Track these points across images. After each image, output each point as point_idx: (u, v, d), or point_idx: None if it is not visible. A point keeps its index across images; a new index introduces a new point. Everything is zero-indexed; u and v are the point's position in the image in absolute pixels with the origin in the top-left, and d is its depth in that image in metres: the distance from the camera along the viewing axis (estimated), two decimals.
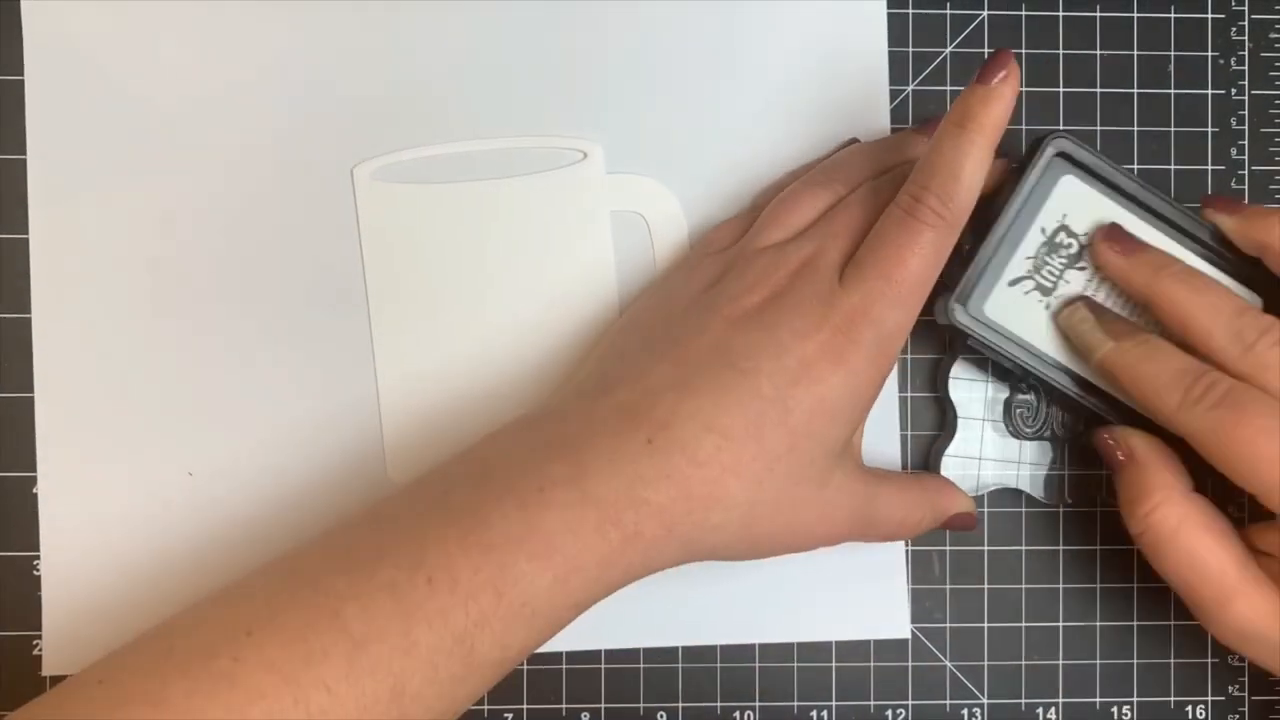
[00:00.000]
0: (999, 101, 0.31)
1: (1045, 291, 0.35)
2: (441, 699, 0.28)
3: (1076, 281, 0.35)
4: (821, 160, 0.37)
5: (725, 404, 0.29)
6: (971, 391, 0.37)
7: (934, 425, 0.39)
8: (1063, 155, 0.35)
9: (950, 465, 0.38)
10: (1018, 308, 0.35)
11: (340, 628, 0.27)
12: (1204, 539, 0.32)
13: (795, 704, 0.38)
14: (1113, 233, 0.34)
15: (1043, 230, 0.35)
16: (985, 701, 0.38)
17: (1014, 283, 0.35)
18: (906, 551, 0.38)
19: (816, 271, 0.32)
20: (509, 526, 0.28)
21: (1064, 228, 0.35)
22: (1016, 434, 0.37)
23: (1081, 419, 0.36)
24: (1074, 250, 0.35)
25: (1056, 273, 0.35)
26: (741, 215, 0.37)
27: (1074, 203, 0.35)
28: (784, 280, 0.32)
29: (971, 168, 0.31)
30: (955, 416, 0.37)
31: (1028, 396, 0.37)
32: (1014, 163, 0.36)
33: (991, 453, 0.38)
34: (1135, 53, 0.39)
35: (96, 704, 0.27)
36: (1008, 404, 0.37)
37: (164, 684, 0.26)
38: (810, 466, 0.31)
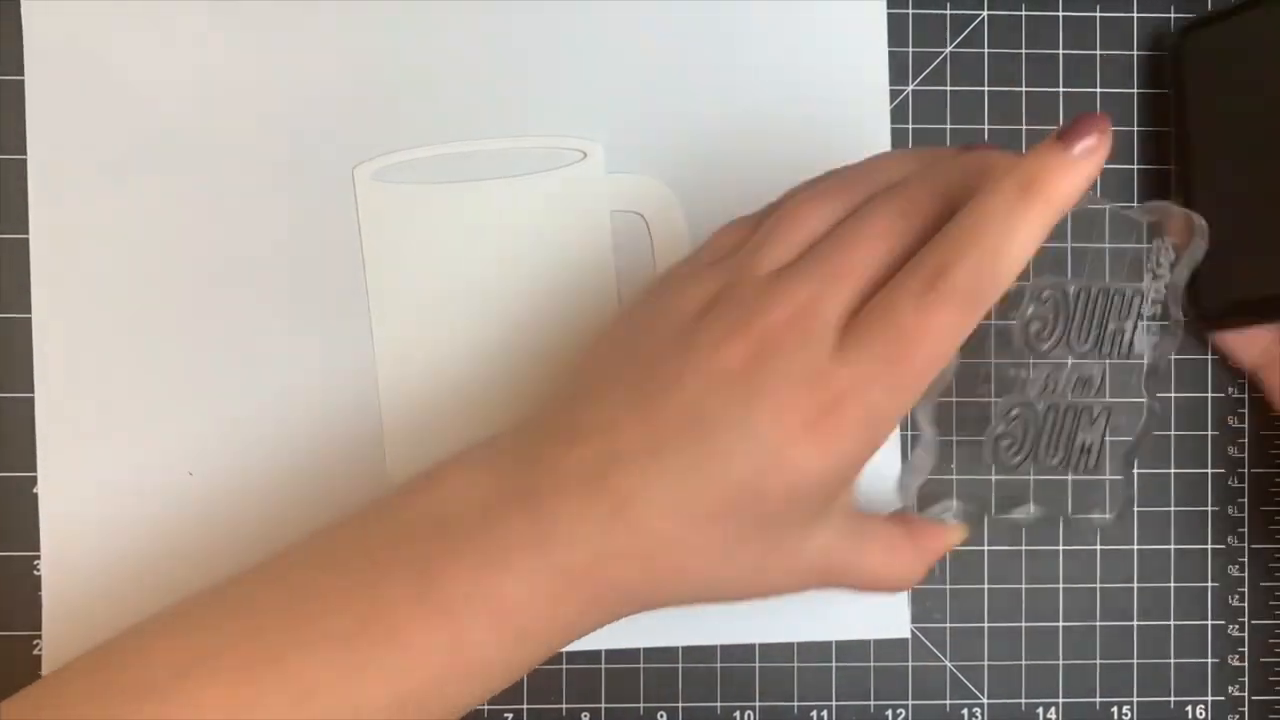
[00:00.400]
0: (1078, 175, 0.26)
1: None
2: None
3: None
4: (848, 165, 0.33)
5: (694, 484, 0.27)
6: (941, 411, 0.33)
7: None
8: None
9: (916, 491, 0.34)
10: None
11: (285, 677, 0.26)
12: None
13: (795, 704, 0.38)
14: None
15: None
16: (985, 701, 0.38)
17: None
18: None
19: (809, 330, 0.27)
20: (467, 587, 0.27)
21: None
22: (1002, 468, 0.33)
23: (1081, 444, 0.33)
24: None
25: None
26: (753, 216, 0.33)
27: None
28: (773, 329, 0.27)
29: (1020, 245, 0.26)
30: (925, 438, 0.34)
31: (1013, 428, 0.32)
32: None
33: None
34: (1135, 53, 0.39)
35: None
36: (991, 435, 0.32)
37: None
38: (782, 542, 0.28)
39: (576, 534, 0.27)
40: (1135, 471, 0.38)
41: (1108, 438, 0.33)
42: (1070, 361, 0.32)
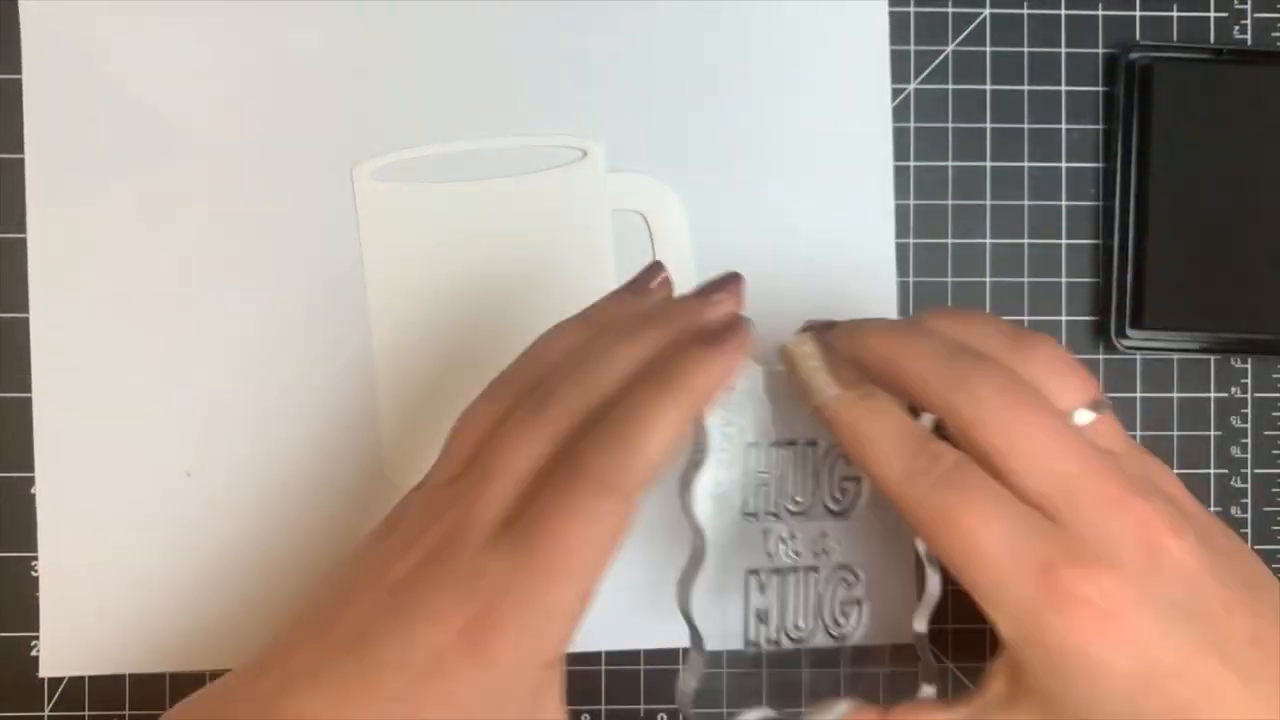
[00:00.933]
0: (714, 369, 0.27)
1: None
2: None
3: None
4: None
5: (353, 700, 0.26)
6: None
7: None
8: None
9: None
10: None
11: None
12: None
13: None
14: (810, 324, 0.31)
15: None
16: None
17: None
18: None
19: (463, 533, 0.27)
20: None
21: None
22: (750, 646, 0.31)
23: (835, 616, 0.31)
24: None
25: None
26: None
27: None
28: (433, 540, 0.27)
29: (655, 438, 0.26)
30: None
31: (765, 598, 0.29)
32: None
33: None
34: None
35: None
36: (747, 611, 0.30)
37: None
38: None
39: None
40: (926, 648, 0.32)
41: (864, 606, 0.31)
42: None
